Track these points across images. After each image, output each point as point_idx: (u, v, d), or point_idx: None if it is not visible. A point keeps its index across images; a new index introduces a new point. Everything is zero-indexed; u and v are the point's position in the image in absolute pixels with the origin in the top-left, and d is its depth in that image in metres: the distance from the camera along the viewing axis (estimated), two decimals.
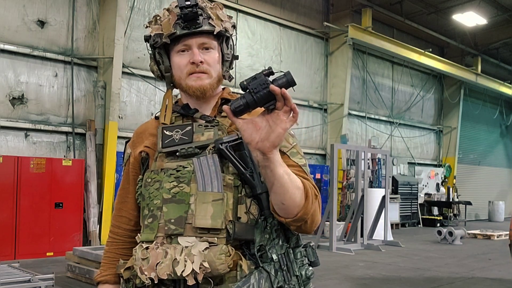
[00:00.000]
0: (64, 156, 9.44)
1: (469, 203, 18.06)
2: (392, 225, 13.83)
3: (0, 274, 5.56)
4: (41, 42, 9.27)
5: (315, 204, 1.39)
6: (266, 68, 1.22)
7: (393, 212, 14.56)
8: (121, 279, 1.55)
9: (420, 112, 18.77)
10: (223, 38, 1.54)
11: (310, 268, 1.47)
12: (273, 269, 1.39)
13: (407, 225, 16.25)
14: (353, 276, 7.58)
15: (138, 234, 1.49)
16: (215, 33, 1.49)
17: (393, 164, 16.30)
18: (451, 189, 18.29)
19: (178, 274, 1.35)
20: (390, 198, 12.83)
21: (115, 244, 1.65)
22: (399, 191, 15.89)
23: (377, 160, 14.42)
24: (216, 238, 1.38)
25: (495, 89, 20.31)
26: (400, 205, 15.75)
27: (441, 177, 18.69)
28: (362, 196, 10.80)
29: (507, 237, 7.50)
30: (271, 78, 1.21)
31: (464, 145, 20.32)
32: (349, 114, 15.12)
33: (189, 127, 1.48)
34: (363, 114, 16.09)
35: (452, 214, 17.84)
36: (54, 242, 8.60)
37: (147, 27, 1.55)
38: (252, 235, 1.39)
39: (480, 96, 21.01)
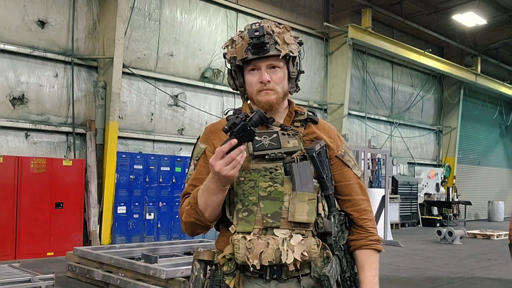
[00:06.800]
0: (65, 156, 9.45)
1: (469, 203, 18.05)
2: (392, 225, 13.84)
3: (1, 274, 5.57)
4: (41, 42, 9.27)
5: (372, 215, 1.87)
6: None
7: (393, 212, 14.56)
8: (197, 264, 1.73)
9: (420, 112, 18.77)
10: (289, 58, 1.75)
11: None
12: (341, 256, 1.74)
13: (407, 225, 16.27)
14: None
15: (232, 225, 1.67)
16: (280, 57, 1.71)
17: (393, 164, 16.29)
18: (450, 189, 18.29)
19: (283, 262, 1.59)
20: (390, 198, 12.84)
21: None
22: (399, 191, 15.91)
23: (377, 160, 14.43)
24: (304, 231, 1.64)
25: (494, 89, 20.32)
26: (400, 205, 15.77)
27: (441, 177, 18.70)
28: None
29: (507, 237, 7.50)
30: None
31: (463, 145, 20.33)
32: (349, 114, 15.14)
33: (275, 135, 1.71)
34: (363, 114, 16.10)
35: (451, 214, 17.84)
36: (54, 242, 8.60)
37: (224, 48, 1.81)
38: (331, 228, 1.69)
39: (480, 96, 21.02)
